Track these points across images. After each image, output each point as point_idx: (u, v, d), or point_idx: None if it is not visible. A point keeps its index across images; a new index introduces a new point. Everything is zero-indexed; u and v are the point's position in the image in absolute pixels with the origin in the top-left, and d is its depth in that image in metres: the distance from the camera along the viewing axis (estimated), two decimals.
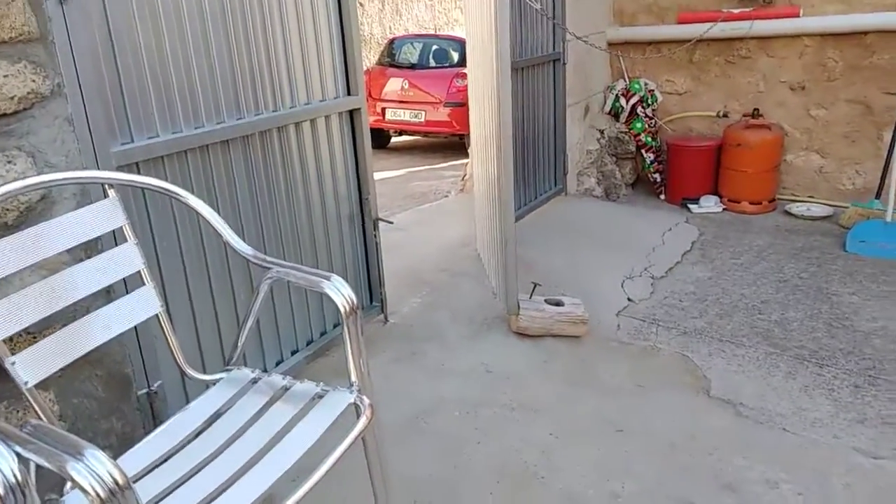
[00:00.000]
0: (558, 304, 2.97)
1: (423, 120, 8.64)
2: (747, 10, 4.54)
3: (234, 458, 1.40)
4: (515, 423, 2.41)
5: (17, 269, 1.38)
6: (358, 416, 1.53)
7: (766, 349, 2.85)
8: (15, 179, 1.60)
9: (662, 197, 4.98)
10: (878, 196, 4.16)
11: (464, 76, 8.94)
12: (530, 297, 2.96)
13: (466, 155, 9.23)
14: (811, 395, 2.55)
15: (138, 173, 1.92)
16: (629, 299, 3.33)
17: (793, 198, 4.76)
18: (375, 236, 2.89)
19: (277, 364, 2.53)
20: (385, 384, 2.58)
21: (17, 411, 1.67)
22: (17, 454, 1.07)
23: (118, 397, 1.93)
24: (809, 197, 4.74)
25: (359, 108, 2.71)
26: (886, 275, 3.50)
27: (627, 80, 5.11)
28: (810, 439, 2.30)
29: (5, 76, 1.56)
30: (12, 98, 1.58)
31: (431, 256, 3.78)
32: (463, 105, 8.86)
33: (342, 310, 1.53)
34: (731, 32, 4.59)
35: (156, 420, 2.02)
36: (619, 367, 2.76)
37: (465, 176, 5.42)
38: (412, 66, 9.09)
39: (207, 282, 2.19)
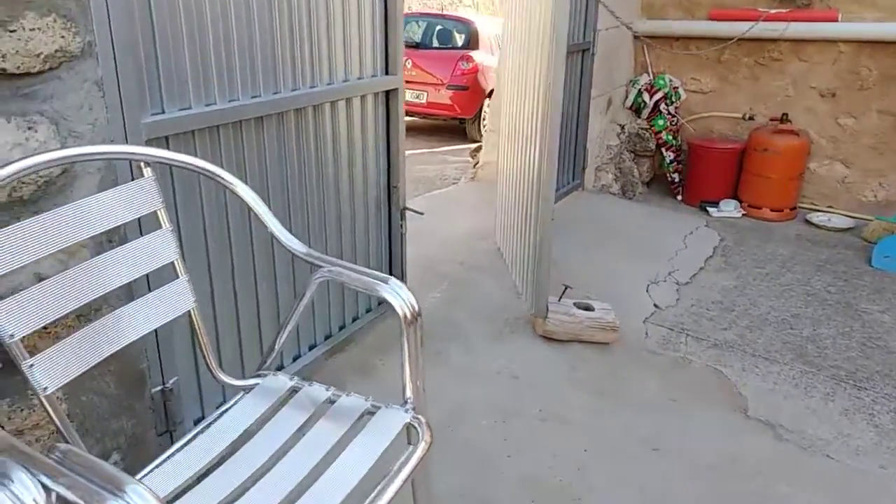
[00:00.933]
0: (587, 308, 2.83)
1: (424, 101, 8.44)
2: (783, 10, 4.39)
3: (277, 485, 1.24)
4: (546, 436, 2.27)
5: (35, 256, 1.19)
6: (410, 438, 1.37)
7: (801, 367, 2.73)
8: (36, 150, 1.41)
9: (679, 198, 4.85)
10: None
11: (469, 59, 8.71)
12: (559, 300, 2.81)
13: (466, 139, 9.05)
14: (852, 419, 2.44)
15: (167, 149, 1.72)
16: (655, 305, 3.19)
17: (812, 206, 4.66)
18: (401, 227, 2.71)
19: (294, 360, 2.36)
20: None
21: (22, 410, 1.49)
22: (44, 485, 0.91)
23: (131, 395, 1.74)
24: (829, 207, 4.63)
25: (396, 89, 2.52)
26: None
27: (652, 75, 4.95)
28: (855, 468, 2.19)
29: (32, 30, 1.36)
30: (38, 55, 1.38)
31: (448, 248, 3.62)
32: (466, 89, 8.65)
33: (402, 316, 1.37)
34: (765, 33, 4.44)
35: (168, 420, 1.84)
36: (650, 379, 2.63)
37: (476, 163, 5.24)
38: (416, 46, 8.86)
39: (230, 275, 2.00)
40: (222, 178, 1.41)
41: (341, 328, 2.57)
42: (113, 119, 1.55)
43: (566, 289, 2.82)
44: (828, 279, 3.56)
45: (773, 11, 4.43)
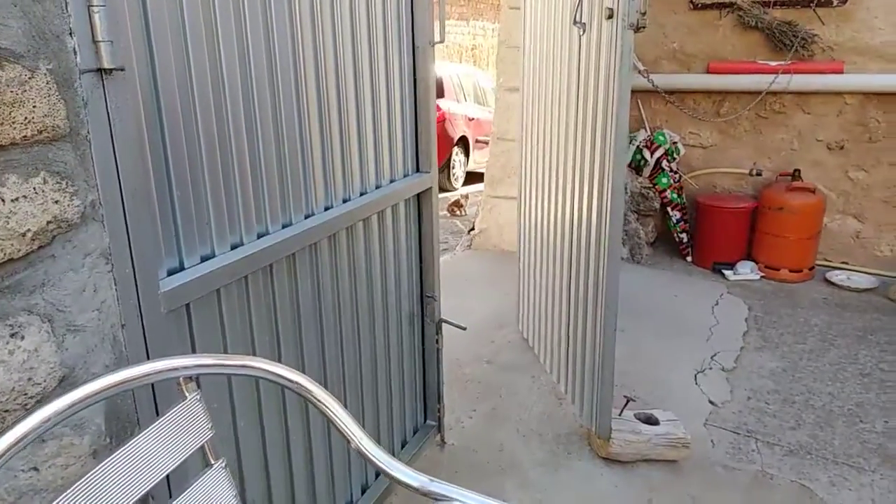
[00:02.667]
0: (650, 420, 2.48)
1: None
2: (784, 63, 4.23)
3: None
4: None
5: None
6: None
7: (892, 474, 2.43)
8: (24, 363, 0.98)
9: (689, 259, 4.59)
10: None
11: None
12: (620, 414, 2.45)
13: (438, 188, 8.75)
14: None
15: (189, 320, 1.31)
16: (711, 402, 2.87)
17: (827, 263, 4.47)
18: (437, 341, 2.33)
19: None
20: None
21: None
22: None
23: None
24: (843, 262, 4.45)
25: (429, 189, 2.16)
26: None
27: (650, 130, 4.73)
28: None
29: (14, 200, 0.95)
30: (24, 234, 0.97)
31: (467, 342, 3.23)
32: None
33: None
34: (770, 86, 4.26)
35: None
36: None
37: (471, 229, 4.89)
38: None
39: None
40: (314, 397, 1.00)
41: (364, 490, 2.13)
42: (124, 296, 1.13)
43: (628, 401, 2.47)
44: (875, 353, 3.31)
45: (772, 63, 4.27)
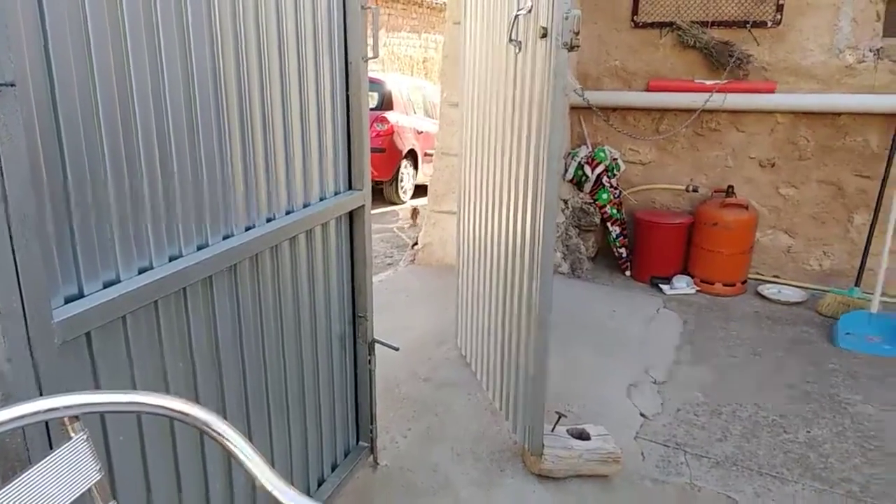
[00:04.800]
0: (581, 435, 2.50)
1: None
2: (721, 82, 4.35)
3: None
4: None
5: None
6: None
7: (813, 485, 2.50)
8: None
9: (628, 273, 4.67)
10: (857, 283, 4.04)
11: (383, 120, 8.43)
12: (552, 429, 2.47)
13: (384, 202, 8.71)
14: None
15: (90, 348, 1.25)
16: (642, 415, 2.91)
17: (759, 277, 4.60)
18: (370, 362, 2.30)
19: None
20: None
21: None
22: None
23: None
24: (775, 276, 4.59)
25: (361, 206, 2.14)
26: (891, 376, 3.31)
27: (591, 146, 4.80)
28: None
29: None
30: None
31: (405, 359, 3.21)
32: (382, 151, 8.34)
33: None
34: (706, 104, 4.38)
35: None
36: None
37: (415, 244, 4.87)
38: None
39: None
40: (215, 430, 0.96)
41: (320, 483, 2.10)
42: (9, 328, 1.07)
43: (560, 417, 2.48)
44: (801, 365, 3.42)
45: (709, 83, 4.39)
